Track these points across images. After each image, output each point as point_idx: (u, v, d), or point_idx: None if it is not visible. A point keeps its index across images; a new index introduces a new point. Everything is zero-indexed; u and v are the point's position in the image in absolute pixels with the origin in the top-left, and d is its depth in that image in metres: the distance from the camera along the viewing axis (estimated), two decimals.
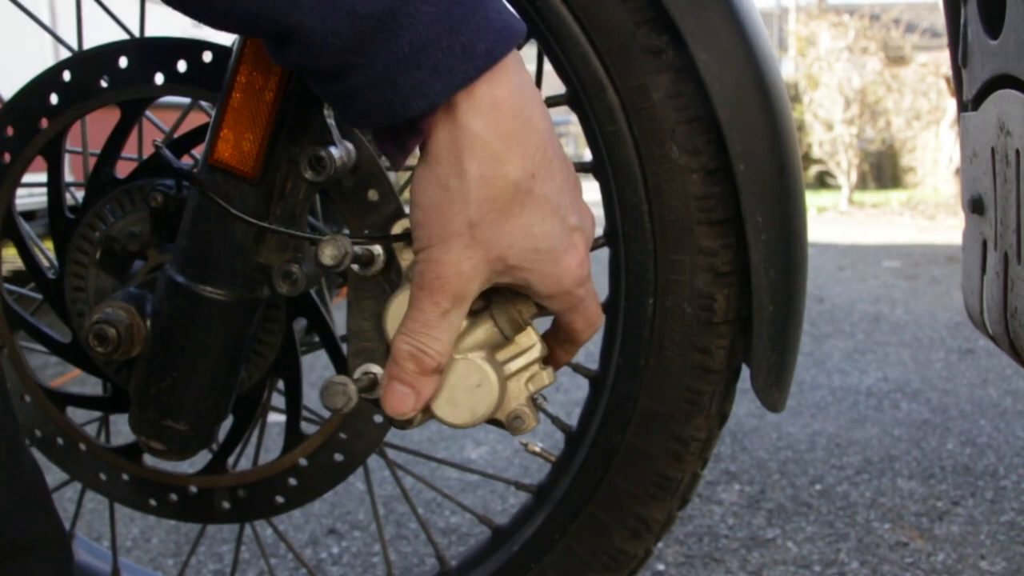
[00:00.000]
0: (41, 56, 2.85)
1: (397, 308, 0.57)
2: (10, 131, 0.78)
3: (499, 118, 0.48)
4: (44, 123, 0.77)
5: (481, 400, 0.57)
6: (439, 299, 0.52)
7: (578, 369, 0.84)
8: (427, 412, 0.57)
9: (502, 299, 0.56)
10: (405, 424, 0.57)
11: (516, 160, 0.49)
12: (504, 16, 0.48)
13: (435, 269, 0.51)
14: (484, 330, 0.57)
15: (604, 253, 0.81)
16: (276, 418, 0.88)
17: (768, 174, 0.72)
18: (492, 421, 0.59)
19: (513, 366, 0.58)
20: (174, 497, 0.83)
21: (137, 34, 0.78)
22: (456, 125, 0.48)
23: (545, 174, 0.51)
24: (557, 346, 0.60)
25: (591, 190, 0.68)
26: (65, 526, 0.66)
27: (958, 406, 2.11)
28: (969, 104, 0.85)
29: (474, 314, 0.56)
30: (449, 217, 0.50)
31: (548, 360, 0.60)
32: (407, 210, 0.56)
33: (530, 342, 0.58)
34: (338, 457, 0.79)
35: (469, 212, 0.49)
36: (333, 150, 0.62)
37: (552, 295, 0.54)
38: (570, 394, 2.28)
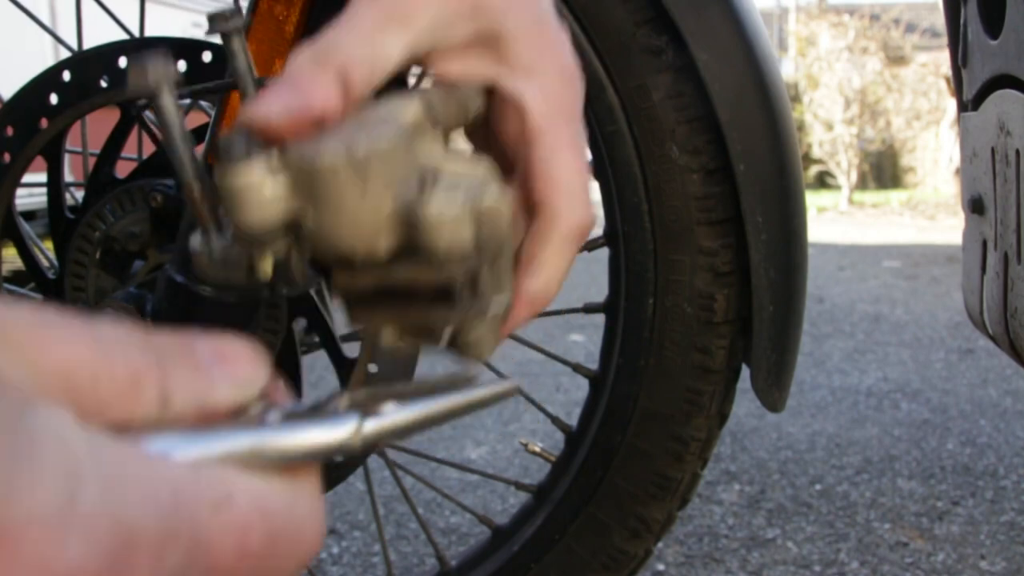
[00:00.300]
0: (41, 56, 2.85)
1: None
2: (10, 131, 0.78)
3: None
4: (44, 123, 0.77)
5: (377, 139, 0.32)
6: (364, 7, 0.36)
7: (578, 369, 0.84)
8: (283, 155, 0.32)
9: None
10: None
11: None
12: None
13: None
14: (409, 102, 0.36)
15: (604, 253, 0.81)
16: None
17: (768, 174, 0.72)
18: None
19: (441, 164, 0.35)
20: None
21: (137, 34, 0.78)
22: None
23: None
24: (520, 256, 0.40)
25: (590, 190, 0.66)
26: None
27: (958, 406, 2.11)
28: (969, 104, 0.85)
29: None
30: None
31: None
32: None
33: (472, 156, 0.37)
34: (337, 457, 0.79)
35: None
36: None
37: (531, 68, 0.39)
38: (570, 394, 2.28)
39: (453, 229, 0.32)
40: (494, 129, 0.41)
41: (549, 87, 0.39)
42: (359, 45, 0.35)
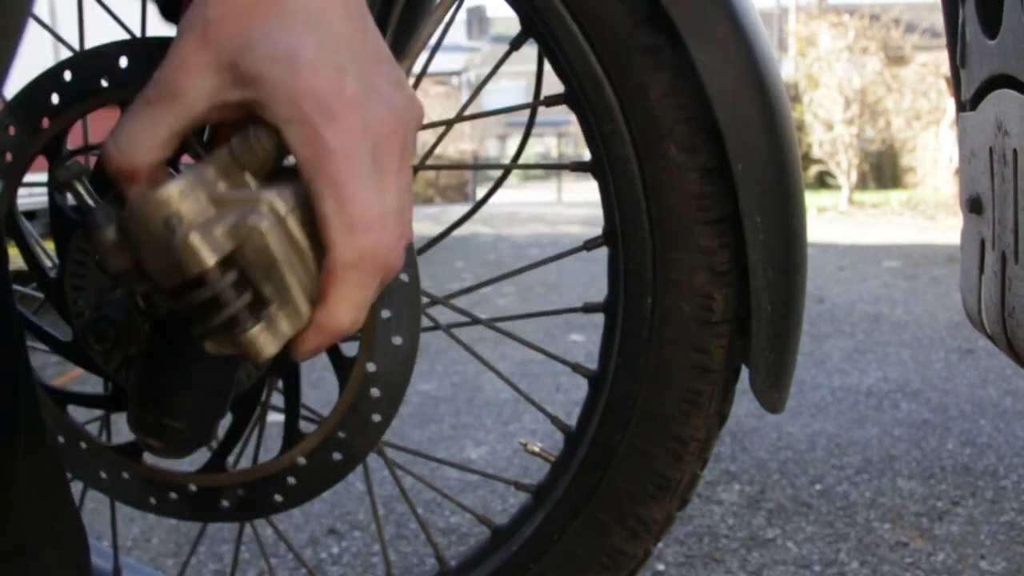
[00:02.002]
0: (41, 56, 2.85)
1: None
2: (12, 131, 0.78)
3: None
4: (45, 123, 0.77)
5: (151, 195, 0.45)
6: (149, 88, 0.45)
7: (577, 369, 0.84)
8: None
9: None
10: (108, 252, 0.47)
11: None
12: None
13: (163, 63, 0.45)
14: (217, 155, 0.46)
15: (603, 253, 0.82)
16: (275, 417, 0.88)
17: (767, 174, 0.72)
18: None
19: (228, 195, 0.46)
20: (173, 496, 0.84)
21: (138, 34, 0.78)
22: None
23: (319, 3, 0.44)
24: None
25: (591, 190, 0.66)
26: (83, 521, 0.66)
27: (958, 406, 2.11)
28: (967, 104, 0.85)
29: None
30: (190, 13, 0.44)
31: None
32: None
33: (275, 187, 0.46)
34: (337, 456, 0.79)
35: (207, 8, 0.44)
36: None
37: (288, 119, 0.43)
38: (570, 394, 2.28)
39: (189, 255, 0.43)
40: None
41: (304, 132, 0.43)
42: (126, 136, 0.45)
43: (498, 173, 1.44)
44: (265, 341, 0.46)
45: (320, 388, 2.15)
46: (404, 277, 0.73)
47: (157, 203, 0.44)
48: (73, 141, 0.82)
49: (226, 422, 0.77)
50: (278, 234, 0.44)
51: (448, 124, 0.84)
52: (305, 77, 0.43)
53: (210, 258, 0.43)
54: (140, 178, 0.46)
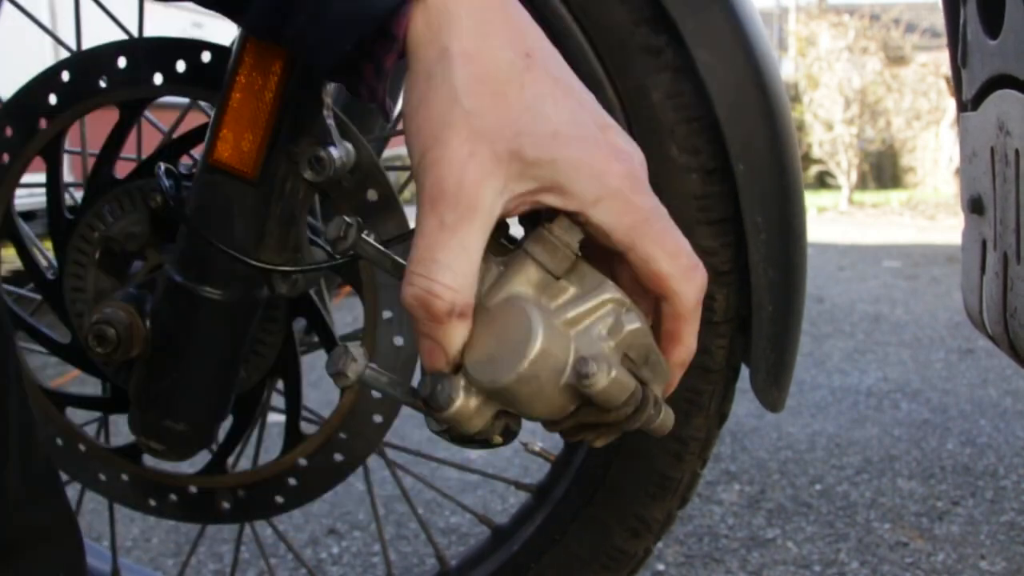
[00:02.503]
0: (41, 56, 2.85)
1: None
2: (9, 131, 0.78)
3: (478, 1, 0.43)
4: (43, 123, 0.77)
5: (520, 344, 0.42)
6: (441, 209, 0.41)
7: None
8: (467, 375, 0.44)
9: (538, 229, 0.45)
10: (444, 402, 0.43)
11: (503, 34, 0.42)
12: None
13: (433, 173, 0.41)
14: (523, 271, 0.44)
15: None
16: (276, 418, 0.88)
17: (767, 174, 0.72)
18: (562, 379, 0.43)
19: (573, 312, 0.44)
20: (174, 497, 0.83)
21: (136, 34, 0.78)
22: (430, 8, 0.42)
23: (545, 55, 0.43)
24: (660, 331, 0.46)
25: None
26: (76, 518, 0.66)
27: (958, 406, 2.11)
28: (968, 104, 0.85)
29: (508, 256, 0.45)
30: (438, 109, 0.41)
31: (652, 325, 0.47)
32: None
33: (596, 281, 0.44)
34: (338, 457, 0.79)
35: (459, 98, 0.41)
36: (333, 150, 0.62)
37: (597, 198, 0.42)
38: None
39: (618, 389, 0.42)
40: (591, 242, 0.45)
41: (618, 205, 0.43)
42: (451, 273, 0.41)
43: None
44: (668, 417, 0.47)
45: (320, 388, 2.15)
46: None
47: (541, 356, 0.41)
48: (71, 142, 0.82)
49: (226, 424, 0.77)
50: (644, 321, 0.45)
51: None
52: (600, 153, 0.42)
53: (630, 381, 0.43)
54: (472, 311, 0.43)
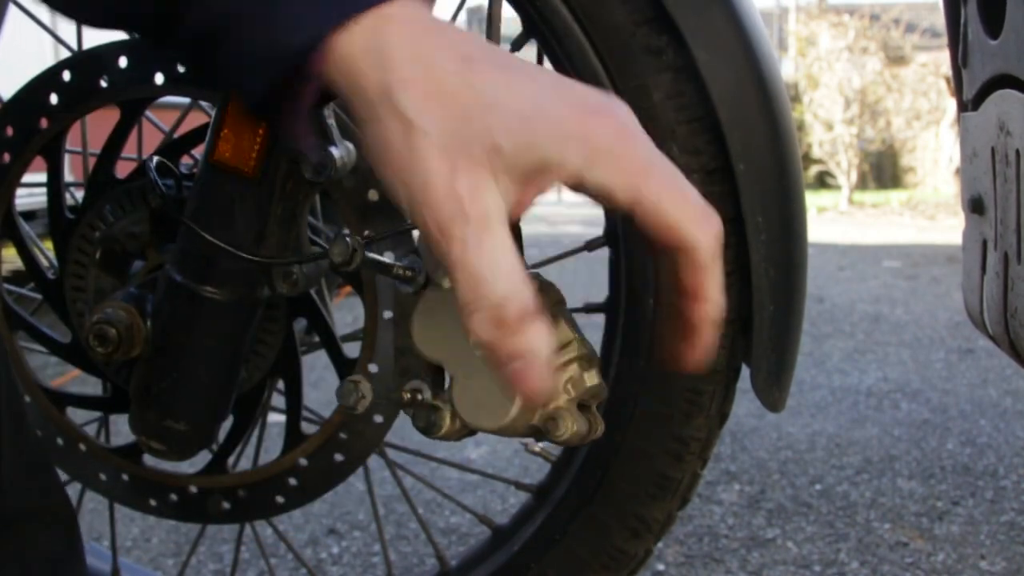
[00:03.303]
0: (41, 56, 2.85)
1: (422, 317, 0.52)
2: (10, 131, 0.78)
3: (406, 25, 0.41)
4: (44, 123, 0.77)
5: (505, 402, 0.49)
6: (454, 233, 0.40)
7: None
8: (457, 419, 0.52)
9: None
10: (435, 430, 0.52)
11: (437, 50, 0.41)
12: None
13: (428, 205, 0.40)
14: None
15: (604, 253, 0.81)
16: (276, 418, 0.88)
17: (768, 174, 0.72)
18: (530, 428, 0.52)
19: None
20: (174, 497, 0.83)
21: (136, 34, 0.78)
22: (357, 52, 0.41)
23: (484, 53, 0.42)
24: (682, 290, 0.44)
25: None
26: (70, 497, 0.67)
27: (958, 406, 2.11)
28: (969, 104, 0.85)
29: None
30: (399, 145, 0.40)
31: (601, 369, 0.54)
32: None
33: (567, 338, 0.50)
34: (338, 457, 0.79)
35: (415, 124, 0.40)
36: (333, 150, 0.62)
37: (587, 161, 0.41)
38: None
39: (575, 436, 0.51)
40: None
41: (611, 161, 0.42)
42: (502, 277, 0.40)
43: None
44: (600, 428, 0.54)
45: (321, 388, 2.15)
46: None
47: (520, 413, 0.50)
48: (72, 142, 0.82)
49: (226, 424, 0.77)
50: (600, 375, 0.53)
51: None
52: (572, 115, 0.41)
53: (584, 426, 0.52)
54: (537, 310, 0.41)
